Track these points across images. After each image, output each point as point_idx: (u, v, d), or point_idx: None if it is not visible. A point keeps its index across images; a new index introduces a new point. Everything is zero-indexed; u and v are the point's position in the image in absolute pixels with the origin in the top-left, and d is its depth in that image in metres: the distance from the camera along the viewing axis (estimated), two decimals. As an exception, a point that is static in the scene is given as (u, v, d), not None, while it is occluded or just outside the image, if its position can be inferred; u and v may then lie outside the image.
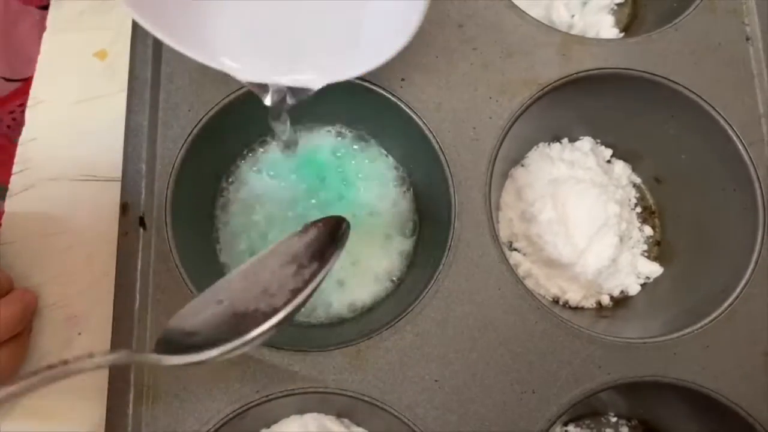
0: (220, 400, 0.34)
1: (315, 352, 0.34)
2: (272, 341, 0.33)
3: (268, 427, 0.39)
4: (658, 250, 0.45)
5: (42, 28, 0.52)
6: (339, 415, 0.39)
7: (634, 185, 0.46)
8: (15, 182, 0.42)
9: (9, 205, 0.42)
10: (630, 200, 0.46)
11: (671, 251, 0.45)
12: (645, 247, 0.45)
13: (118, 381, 0.34)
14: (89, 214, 0.41)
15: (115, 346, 0.34)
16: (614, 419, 0.42)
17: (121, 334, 0.34)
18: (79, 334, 0.39)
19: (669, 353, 0.36)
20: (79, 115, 0.43)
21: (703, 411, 0.38)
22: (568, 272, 0.43)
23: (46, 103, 0.44)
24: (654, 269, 0.44)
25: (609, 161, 0.46)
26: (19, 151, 0.43)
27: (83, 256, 0.40)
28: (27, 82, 0.54)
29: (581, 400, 0.35)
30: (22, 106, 0.55)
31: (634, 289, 0.44)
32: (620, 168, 0.46)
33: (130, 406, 0.33)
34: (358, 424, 0.40)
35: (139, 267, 0.35)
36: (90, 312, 0.39)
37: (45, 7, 0.53)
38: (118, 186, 0.39)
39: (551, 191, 0.44)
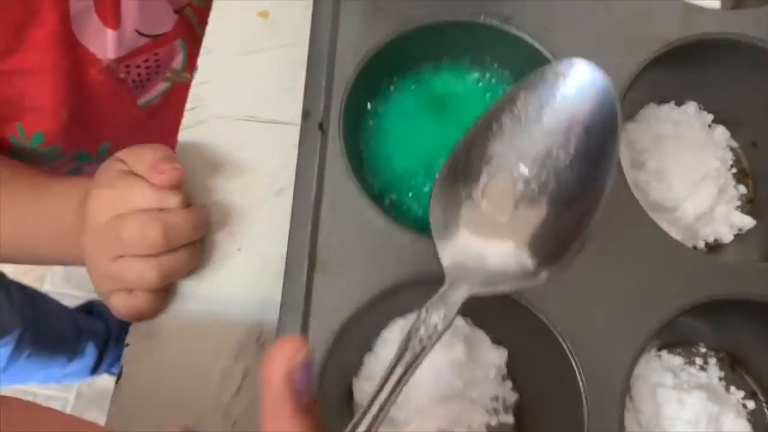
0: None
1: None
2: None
3: (404, 317, 0.45)
4: (750, 207, 0.50)
5: None
6: (464, 313, 0.45)
7: (732, 149, 0.51)
8: (187, 117, 0.49)
9: (181, 136, 0.49)
10: (727, 161, 0.51)
11: (763, 208, 0.50)
12: (739, 203, 0.50)
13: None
14: (250, 150, 0.48)
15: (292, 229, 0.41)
16: (704, 350, 0.47)
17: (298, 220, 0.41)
18: (239, 249, 0.46)
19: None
20: (243, 65, 0.51)
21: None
22: (669, 216, 0.48)
23: (216, 52, 0.51)
24: (747, 221, 0.49)
25: (710, 126, 0.52)
26: (193, 92, 0.50)
27: (244, 186, 0.47)
28: (156, 40, 0.60)
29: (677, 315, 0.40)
30: (147, 62, 0.61)
31: (727, 238, 0.49)
32: (720, 132, 0.51)
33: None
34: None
35: (316, 163, 0.41)
36: (248, 230, 0.46)
37: None
38: (275, 128, 0.48)
39: (659, 144, 0.49)
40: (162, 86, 0.64)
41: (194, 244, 0.44)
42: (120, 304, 0.43)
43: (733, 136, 0.51)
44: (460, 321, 0.45)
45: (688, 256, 0.41)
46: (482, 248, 0.34)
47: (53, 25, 0.48)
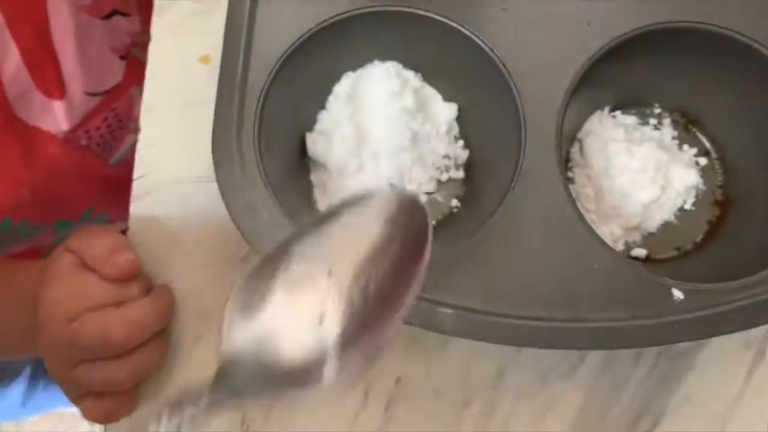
0: (322, 9, 0.40)
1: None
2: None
3: (354, 71, 0.45)
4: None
5: (108, 39, 0.54)
6: (415, 68, 0.46)
7: None
8: (137, 187, 0.46)
9: (133, 209, 0.46)
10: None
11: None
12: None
13: None
14: (209, 214, 0.44)
15: None
16: (658, 110, 0.47)
17: None
18: (208, 328, 0.43)
19: (721, 3, 0.40)
20: (189, 119, 0.47)
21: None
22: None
23: (157, 109, 0.48)
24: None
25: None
26: (138, 157, 0.47)
27: (207, 254, 0.44)
28: (109, 96, 0.55)
29: (633, 37, 0.40)
30: (107, 121, 0.57)
31: None
32: None
33: (248, 3, 0.40)
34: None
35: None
36: (218, 307, 0.41)
37: (107, 17, 0.53)
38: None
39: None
40: (130, 138, 0.59)
41: (162, 332, 0.41)
42: (90, 410, 0.40)
43: None
44: (410, 74, 0.45)
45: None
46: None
47: None
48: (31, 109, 0.48)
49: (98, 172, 0.58)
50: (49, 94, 0.49)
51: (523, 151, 0.38)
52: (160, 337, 0.41)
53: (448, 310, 0.36)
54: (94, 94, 0.53)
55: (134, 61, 0.57)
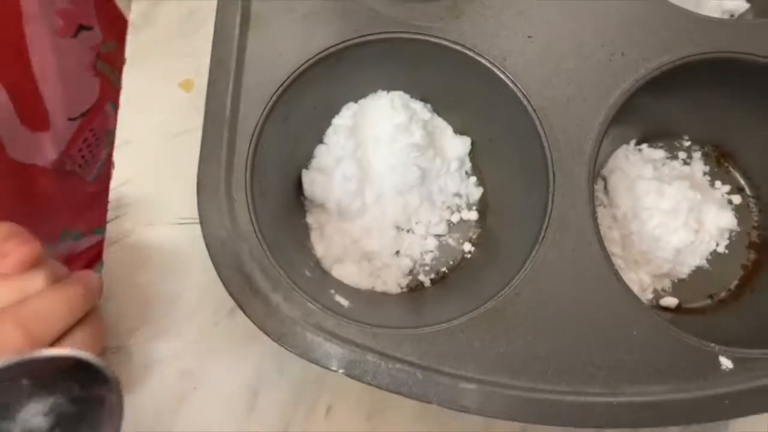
0: (321, 35, 0.35)
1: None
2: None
3: (356, 101, 0.40)
4: None
5: (83, 56, 0.50)
6: (424, 99, 0.41)
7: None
8: (111, 231, 0.41)
9: (107, 255, 0.41)
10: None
11: None
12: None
13: (228, 6, 0.35)
14: (191, 260, 0.39)
15: None
16: (688, 143, 0.43)
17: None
18: (195, 388, 0.39)
19: (761, 32, 0.36)
20: (168, 153, 0.41)
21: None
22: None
23: (134, 142, 0.42)
24: (740, 4, 0.44)
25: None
26: (112, 196, 0.41)
27: (190, 306, 0.39)
28: (87, 117, 0.52)
29: (670, 69, 0.35)
30: (87, 141, 0.53)
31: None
32: None
33: (237, 29, 0.35)
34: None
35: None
36: (203, 364, 0.39)
37: (75, 35, 0.48)
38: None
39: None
40: (104, 152, 0.56)
41: (89, 315, 0.34)
42: None
43: None
44: (418, 105, 0.41)
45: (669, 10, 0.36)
46: None
47: None
48: (19, 145, 0.44)
49: (79, 191, 0.55)
50: (34, 128, 0.45)
51: (552, 199, 0.34)
52: (90, 321, 0.34)
53: (472, 386, 0.32)
54: (74, 118, 0.50)
55: (103, 77, 0.53)
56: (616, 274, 0.33)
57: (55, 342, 0.32)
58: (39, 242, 0.33)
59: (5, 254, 0.31)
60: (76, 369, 0.25)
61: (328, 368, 0.32)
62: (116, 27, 0.57)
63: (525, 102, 0.35)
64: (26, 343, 0.30)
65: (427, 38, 0.36)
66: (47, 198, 0.50)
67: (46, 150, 0.47)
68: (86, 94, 0.52)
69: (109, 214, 0.41)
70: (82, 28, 0.49)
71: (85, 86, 0.52)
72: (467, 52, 0.35)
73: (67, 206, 0.54)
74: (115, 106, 0.50)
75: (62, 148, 0.49)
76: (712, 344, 0.33)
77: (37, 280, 0.32)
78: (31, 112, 0.44)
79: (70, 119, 0.49)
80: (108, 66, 0.54)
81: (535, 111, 0.35)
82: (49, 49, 0.45)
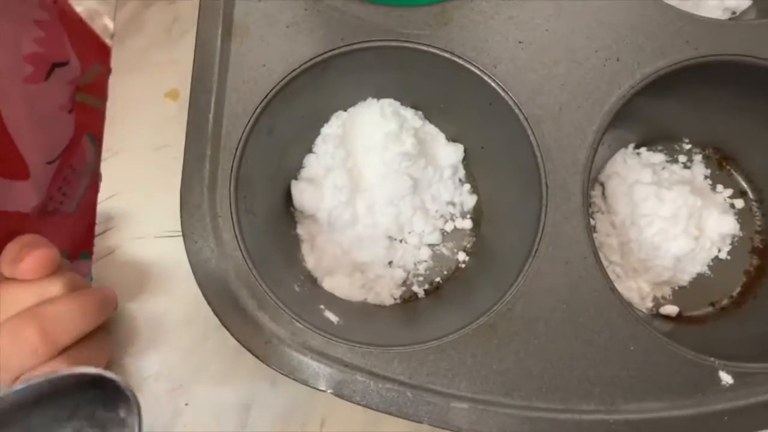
0: (305, 45, 0.34)
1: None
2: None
3: (345, 110, 0.40)
4: None
5: (56, 98, 0.47)
6: (415, 106, 0.40)
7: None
8: (99, 245, 0.40)
9: (95, 269, 0.40)
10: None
11: None
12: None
13: (209, 17, 0.34)
14: (180, 275, 0.38)
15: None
16: (688, 146, 0.42)
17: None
18: (186, 404, 0.38)
19: (761, 35, 0.35)
20: (156, 163, 0.41)
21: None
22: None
23: (121, 154, 0.41)
24: (742, 2, 0.42)
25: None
26: (99, 210, 0.41)
27: (179, 321, 0.39)
28: (65, 156, 0.50)
29: (665, 74, 0.34)
30: (66, 179, 0.51)
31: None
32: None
33: (219, 40, 0.34)
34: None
35: None
36: (194, 380, 0.38)
37: (48, 76, 0.47)
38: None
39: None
40: (83, 181, 0.54)
41: (99, 330, 0.35)
42: None
43: None
44: (409, 113, 0.40)
45: (666, 12, 0.35)
46: None
47: None
48: (1, 197, 0.43)
49: (62, 225, 0.53)
50: (13, 177, 0.44)
51: (545, 210, 0.33)
52: (97, 337, 0.35)
53: (464, 405, 0.31)
54: (53, 161, 0.49)
55: (79, 106, 0.51)
56: (612, 287, 0.32)
57: (67, 349, 0.33)
58: (56, 250, 0.34)
59: (24, 261, 0.33)
60: (90, 386, 0.25)
61: (316, 388, 0.31)
62: (99, 50, 0.56)
63: (516, 110, 0.34)
64: (43, 343, 0.32)
65: (416, 46, 0.35)
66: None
67: (27, 197, 0.46)
68: (62, 134, 0.50)
69: (97, 228, 0.40)
70: (55, 66, 0.48)
71: (60, 126, 0.50)
72: (456, 59, 0.34)
73: (53, 241, 0.53)
74: (93, 137, 0.50)
75: (43, 194, 0.48)
76: (712, 358, 0.32)
77: (55, 286, 0.33)
78: (9, 163, 0.43)
79: (48, 163, 0.48)
80: (91, 96, 0.52)
81: (526, 119, 0.34)
82: (20, 98, 0.43)
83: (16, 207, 0.45)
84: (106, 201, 0.41)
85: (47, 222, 0.49)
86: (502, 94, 0.34)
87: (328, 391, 0.31)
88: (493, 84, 0.34)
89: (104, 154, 0.41)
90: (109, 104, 0.42)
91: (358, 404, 0.31)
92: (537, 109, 0.34)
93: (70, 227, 0.53)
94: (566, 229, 0.33)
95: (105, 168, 0.41)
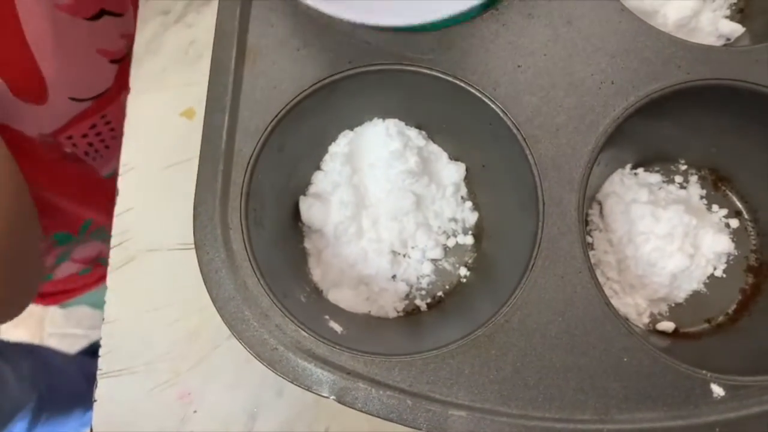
0: (315, 67, 0.36)
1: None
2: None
3: (352, 129, 0.41)
4: (740, 16, 0.45)
5: (96, 41, 0.47)
6: (419, 126, 0.42)
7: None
8: (114, 256, 0.42)
9: (111, 280, 0.42)
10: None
11: (754, 13, 0.45)
12: (728, 11, 0.45)
13: (224, 40, 0.36)
14: (191, 286, 0.38)
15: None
16: (684, 167, 0.43)
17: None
18: (195, 411, 0.40)
19: (752, 60, 0.36)
20: (170, 180, 0.43)
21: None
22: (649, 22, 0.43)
23: (137, 169, 0.44)
24: (735, 29, 0.44)
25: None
26: (116, 222, 0.43)
27: (191, 329, 0.41)
28: (98, 101, 0.50)
29: (659, 98, 0.36)
30: (96, 128, 0.52)
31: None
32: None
33: (233, 63, 0.36)
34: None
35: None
36: (204, 387, 0.40)
37: (95, 18, 0.47)
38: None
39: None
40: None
41: None
42: None
43: None
44: (413, 132, 0.41)
45: (659, 38, 0.37)
46: None
47: None
48: (6, 111, 0.44)
49: (93, 182, 0.54)
50: (29, 99, 0.44)
51: (541, 226, 0.34)
52: None
53: (462, 413, 0.32)
54: (81, 100, 0.48)
55: (128, 65, 0.51)
56: (607, 301, 0.33)
57: None
58: None
59: None
60: None
61: (319, 395, 0.33)
62: None
63: (515, 130, 0.35)
64: None
65: (420, 69, 0.36)
66: (39, 173, 0.48)
67: (38, 121, 0.46)
68: (97, 78, 0.50)
69: (113, 241, 0.42)
70: (105, 12, 0.48)
71: (96, 70, 0.50)
72: (458, 82, 0.36)
73: (80, 193, 0.53)
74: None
75: (59, 125, 0.48)
76: (704, 371, 0.33)
77: None
78: (25, 81, 0.43)
79: (72, 99, 0.48)
80: None
81: (525, 140, 0.35)
82: (47, 19, 0.43)
83: (21, 127, 0.45)
84: (122, 214, 0.43)
85: (65, 166, 0.50)
86: (502, 115, 0.36)
87: (331, 397, 0.32)
88: (493, 106, 0.36)
89: (121, 169, 0.43)
90: (126, 122, 0.44)
91: (360, 411, 0.32)
92: (535, 130, 0.36)
93: (102, 190, 0.53)
94: (562, 245, 0.34)
95: (122, 182, 0.43)
